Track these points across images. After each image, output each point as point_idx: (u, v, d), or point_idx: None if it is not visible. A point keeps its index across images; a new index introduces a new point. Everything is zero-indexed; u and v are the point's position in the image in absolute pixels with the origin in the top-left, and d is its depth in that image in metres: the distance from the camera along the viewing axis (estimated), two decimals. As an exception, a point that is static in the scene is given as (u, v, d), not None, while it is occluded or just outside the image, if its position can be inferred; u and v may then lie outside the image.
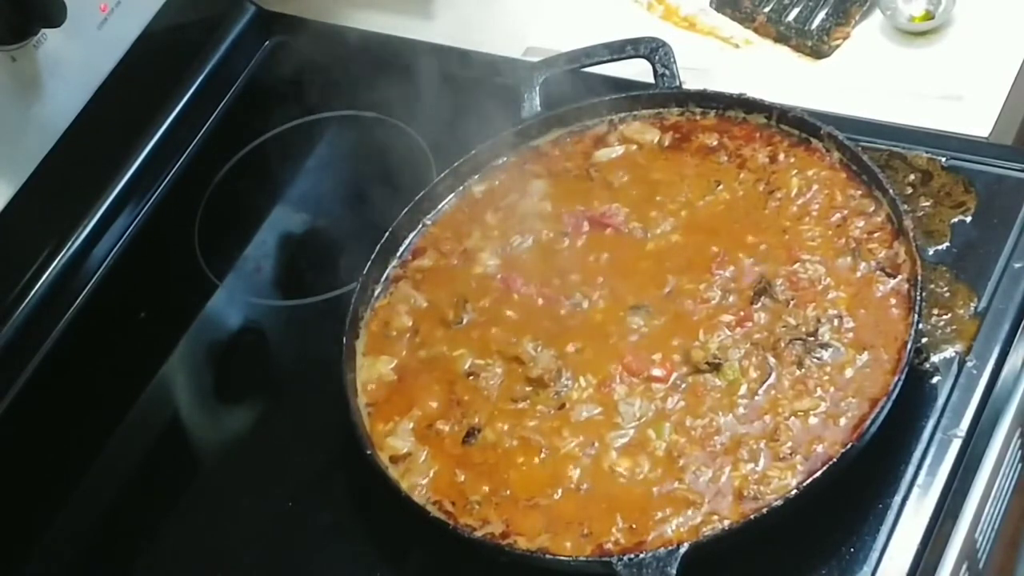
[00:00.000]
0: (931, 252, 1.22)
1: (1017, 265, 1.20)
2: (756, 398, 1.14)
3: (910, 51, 1.40)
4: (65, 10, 1.29)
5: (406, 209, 1.32)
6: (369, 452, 1.17)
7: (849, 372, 1.14)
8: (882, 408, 1.10)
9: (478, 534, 1.12)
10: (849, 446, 1.08)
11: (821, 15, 1.44)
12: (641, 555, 1.06)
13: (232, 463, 1.29)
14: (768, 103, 1.30)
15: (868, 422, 1.09)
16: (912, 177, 1.27)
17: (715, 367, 1.16)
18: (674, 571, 1.05)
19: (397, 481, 1.16)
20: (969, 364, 1.16)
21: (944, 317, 1.19)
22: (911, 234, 1.17)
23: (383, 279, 1.30)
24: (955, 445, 1.13)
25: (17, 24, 1.29)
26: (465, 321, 1.26)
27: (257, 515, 1.24)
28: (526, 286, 1.27)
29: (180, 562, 1.24)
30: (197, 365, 1.38)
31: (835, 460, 1.08)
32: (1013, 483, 1.25)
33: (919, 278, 1.15)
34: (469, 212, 1.33)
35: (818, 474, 1.07)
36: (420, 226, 1.33)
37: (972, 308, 1.19)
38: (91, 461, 1.31)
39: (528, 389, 1.20)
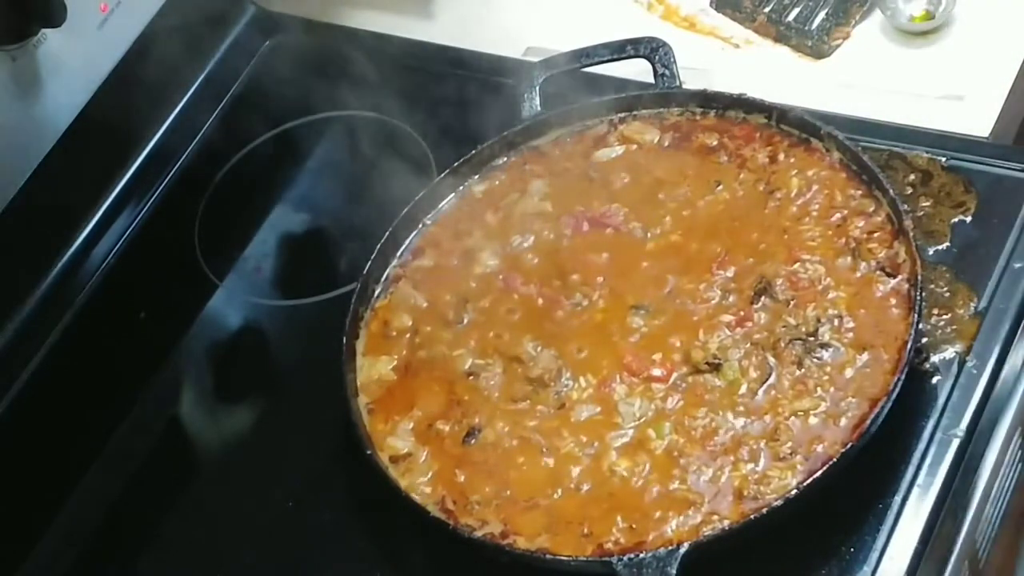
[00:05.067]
0: (931, 252, 1.22)
1: (1017, 265, 1.20)
2: (756, 398, 1.14)
3: (910, 51, 1.40)
4: (65, 10, 1.28)
5: (406, 209, 1.32)
6: (369, 452, 1.17)
7: (849, 372, 1.14)
8: (882, 408, 1.10)
9: (478, 534, 1.12)
10: (849, 446, 1.08)
11: (821, 15, 1.44)
12: (641, 555, 1.06)
13: (232, 463, 1.29)
14: (768, 103, 1.30)
15: (868, 422, 1.09)
16: (912, 177, 1.27)
17: (715, 367, 1.16)
18: (674, 571, 1.05)
19: (397, 481, 1.16)
20: (969, 364, 1.16)
21: (944, 317, 1.19)
22: (911, 234, 1.17)
23: (383, 279, 1.30)
24: (955, 445, 1.13)
25: (17, 24, 1.29)
26: (465, 321, 1.26)
27: (257, 515, 1.24)
28: (526, 286, 1.26)
29: (180, 562, 1.24)
30: (197, 365, 1.38)
31: (835, 460, 1.08)
32: (1013, 483, 1.25)
33: (919, 278, 1.15)
34: (469, 212, 1.33)
35: (818, 474, 1.07)
36: (420, 226, 1.33)
37: (972, 308, 1.19)
38: (91, 461, 1.31)
39: (528, 389, 1.19)
